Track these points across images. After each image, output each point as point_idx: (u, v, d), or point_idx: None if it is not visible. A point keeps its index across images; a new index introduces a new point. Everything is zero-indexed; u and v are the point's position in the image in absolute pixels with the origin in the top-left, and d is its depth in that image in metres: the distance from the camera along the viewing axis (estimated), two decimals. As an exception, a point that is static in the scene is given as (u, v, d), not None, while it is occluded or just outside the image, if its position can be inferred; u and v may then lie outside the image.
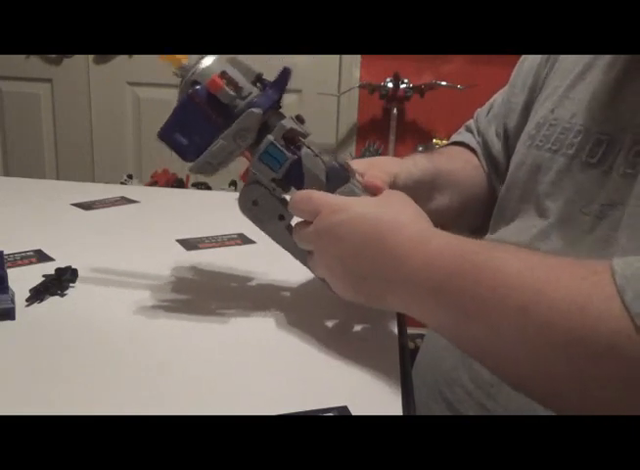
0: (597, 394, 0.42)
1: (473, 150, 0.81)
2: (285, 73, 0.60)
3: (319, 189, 0.59)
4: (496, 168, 0.79)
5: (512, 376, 0.47)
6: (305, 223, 0.58)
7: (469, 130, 0.84)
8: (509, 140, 0.77)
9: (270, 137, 0.59)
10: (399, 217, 0.54)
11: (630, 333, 0.39)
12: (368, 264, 0.53)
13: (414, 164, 0.70)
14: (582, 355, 0.41)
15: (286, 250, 0.64)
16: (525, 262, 0.46)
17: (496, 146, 0.79)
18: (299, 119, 0.62)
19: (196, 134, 0.59)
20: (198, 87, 0.58)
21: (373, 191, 0.60)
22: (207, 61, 0.59)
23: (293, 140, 0.61)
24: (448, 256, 0.49)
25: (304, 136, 0.61)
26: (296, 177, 0.60)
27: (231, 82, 0.58)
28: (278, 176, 0.60)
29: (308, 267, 0.62)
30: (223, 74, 0.58)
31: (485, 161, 0.80)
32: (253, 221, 0.63)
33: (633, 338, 0.39)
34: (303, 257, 0.62)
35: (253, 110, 0.58)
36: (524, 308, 0.43)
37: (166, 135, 0.60)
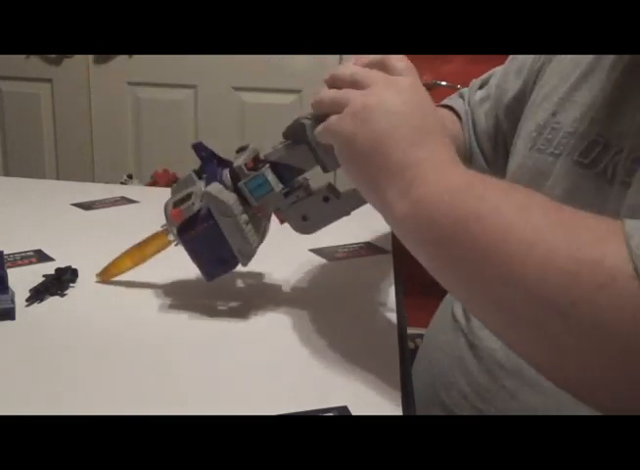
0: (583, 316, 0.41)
1: (459, 115, 0.81)
2: (198, 149, 0.65)
3: (308, 160, 0.60)
4: (478, 143, 0.80)
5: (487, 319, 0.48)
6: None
7: (461, 97, 0.85)
8: (499, 122, 0.78)
9: (241, 184, 0.62)
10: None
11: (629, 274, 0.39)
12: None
13: None
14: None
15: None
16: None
17: (482, 125, 0.79)
18: (242, 149, 0.65)
19: (219, 248, 0.63)
20: (179, 231, 0.63)
21: None
22: (165, 211, 0.65)
23: (256, 161, 0.63)
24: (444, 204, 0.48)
25: (256, 151, 0.64)
26: (288, 172, 0.62)
27: (183, 200, 0.63)
28: (282, 190, 0.62)
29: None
30: (175, 204, 0.63)
31: (469, 131, 0.80)
32: (324, 226, 0.65)
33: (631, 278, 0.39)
34: (356, 203, 0.63)
35: (208, 190, 0.61)
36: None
37: (211, 273, 0.65)
